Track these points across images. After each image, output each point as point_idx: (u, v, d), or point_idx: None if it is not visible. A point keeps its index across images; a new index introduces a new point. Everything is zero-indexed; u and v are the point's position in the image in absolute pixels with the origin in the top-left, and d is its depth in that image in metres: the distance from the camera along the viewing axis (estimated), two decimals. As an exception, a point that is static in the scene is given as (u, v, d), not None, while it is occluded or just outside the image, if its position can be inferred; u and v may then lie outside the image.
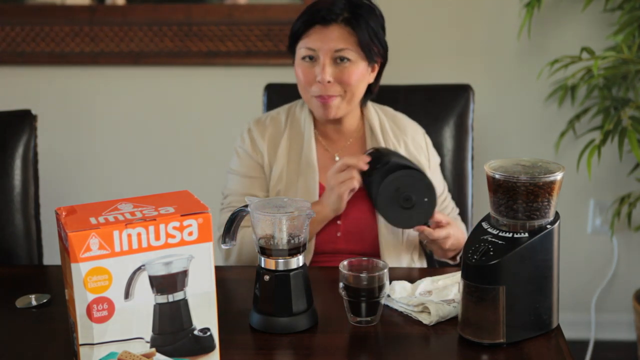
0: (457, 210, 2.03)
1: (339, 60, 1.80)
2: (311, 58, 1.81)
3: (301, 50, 1.83)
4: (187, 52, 2.83)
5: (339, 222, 1.88)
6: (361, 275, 1.49)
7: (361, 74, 1.83)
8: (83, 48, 2.84)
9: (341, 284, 1.50)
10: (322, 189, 1.89)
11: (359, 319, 1.50)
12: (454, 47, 2.82)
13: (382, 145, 1.91)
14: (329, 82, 1.80)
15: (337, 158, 1.93)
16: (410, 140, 1.94)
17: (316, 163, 1.90)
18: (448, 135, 2.18)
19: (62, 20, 2.83)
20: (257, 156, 1.92)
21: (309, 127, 1.91)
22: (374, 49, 1.83)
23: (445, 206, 1.99)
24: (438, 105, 2.20)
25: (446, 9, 2.80)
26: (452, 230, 1.81)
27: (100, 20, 2.83)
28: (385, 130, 1.92)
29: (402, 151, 1.92)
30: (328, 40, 1.79)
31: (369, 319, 1.49)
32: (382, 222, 1.86)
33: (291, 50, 1.89)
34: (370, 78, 1.89)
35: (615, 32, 2.58)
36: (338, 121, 1.91)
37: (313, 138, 1.91)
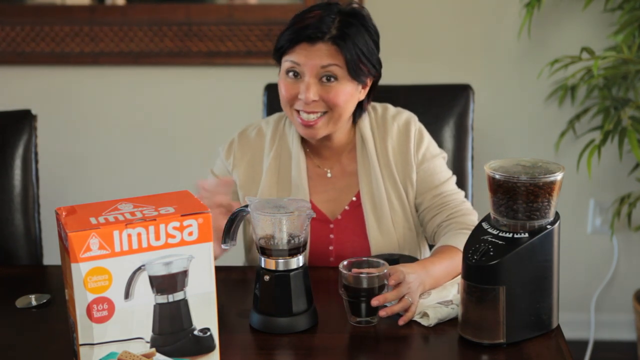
0: (465, 202, 1.88)
1: (325, 79, 1.73)
2: (296, 74, 1.74)
3: (286, 63, 1.76)
4: (187, 52, 2.83)
5: (331, 247, 1.84)
6: (361, 275, 1.49)
7: (349, 93, 1.75)
8: (83, 48, 2.84)
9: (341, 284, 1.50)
10: (314, 209, 1.83)
11: (358, 319, 1.50)
12: (454, 47, 2.82)
13: (374, 156, 1.84)
14: (313, 101, 1.73)
15: (329, 174, 1.87)
16: (390, 143, 1.86)
17: (306, 183, 1.84)
18: (448, 135, 2.17)
19: (62, 20, 2.83)
20: (228, 168, 1.88)
21: (297, 145, 1.85)
22: (363, 68, 1.75)
23: (450, 200, 1.85)
24: (438, 105, 2.19)
25: (446, 9, 2.80)
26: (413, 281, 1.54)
27: (100, 20, 2.82)
28: (376, 139, 1.86)
29: (389, 153, 1.84)
30: (314, 56, 1.71)
31: (369, 319, 1.49)
32: (374, 246, 1.82)
33: (277, 62, 1.82)
34: (361, 95, 1.81)
35: (616, 32, 2.58)
36: (326, 138, 1.83)
37: (302, 156, 1.85)
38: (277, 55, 1.81)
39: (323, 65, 1.72)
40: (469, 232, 1.68)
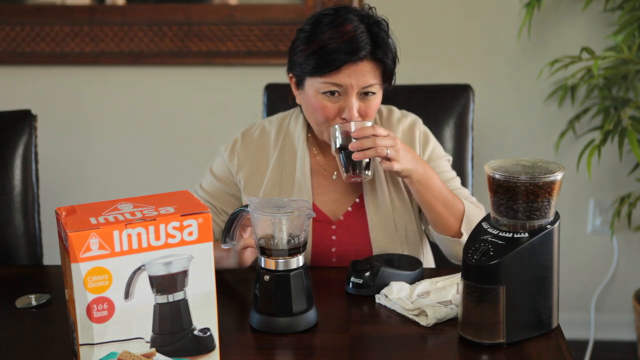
0: (472, 197, 1.92)
1: (364, 95, 1.73)
2: (334, 93, 1.71)
3: (321, 85, 1.71)
4: (187, 52, 2.83)
5: (333, 249, 1.84)
6: (350, 124, 1.67)
7: (380, 101, 1.78)
8: (83, 48, 2.85)
9: (337, 145, 1.68)
10: (316, 210, 1.83)
11: (349, 173, 1.68)
12: (454, 47, 2.82)
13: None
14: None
15: (334, 177, 1.85)
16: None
17: (310, 183, 1.83)
18: (448, 135, 2.18)
19: (62, 20, 2.83)
20: (232, 170, 1.87)
21: (303, 146, 1.85)
22: (394, 73, 1.78)
23: (457, 193, 1.86)
24: (438, 105, 2.20)
25: (446, 9, 2.80)
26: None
27: (100, 20, 2.83)
28: None
29: None
30: (359, 76, 1.70)
31: (362, 172, 1.68)
32: (376, 247, 1.81)
33: (296, 77, 1.78)
34: None
35: (615, 32, 2.58)
36: None
37: (307, 156, 1.85)
38: (303, 75, 1.75)
39: (365, 86, 1.71)
40: (480, 210, 1.81)
